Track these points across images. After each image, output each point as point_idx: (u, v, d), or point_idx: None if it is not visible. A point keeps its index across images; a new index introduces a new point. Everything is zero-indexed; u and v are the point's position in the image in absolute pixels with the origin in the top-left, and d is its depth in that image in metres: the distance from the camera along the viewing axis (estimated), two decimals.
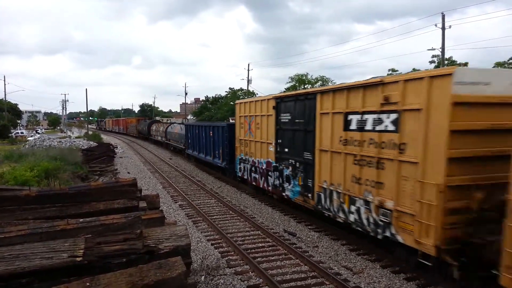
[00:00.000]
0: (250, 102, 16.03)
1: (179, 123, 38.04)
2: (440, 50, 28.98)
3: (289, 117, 12.72)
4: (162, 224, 6.23)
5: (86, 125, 77.68)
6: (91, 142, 39.21)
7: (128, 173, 23.21)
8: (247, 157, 16.56)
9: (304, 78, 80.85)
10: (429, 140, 7.27)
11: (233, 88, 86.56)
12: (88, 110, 71.21)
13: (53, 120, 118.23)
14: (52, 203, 7.05)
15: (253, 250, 9.94)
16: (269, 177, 14.49)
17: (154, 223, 6.02)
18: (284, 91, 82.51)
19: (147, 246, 4.90)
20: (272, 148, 13.99)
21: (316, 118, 11.04)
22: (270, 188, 14.53)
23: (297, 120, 12.27)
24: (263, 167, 14.89)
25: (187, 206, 15.03)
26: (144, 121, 58.61)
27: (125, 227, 5.56)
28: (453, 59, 41.10)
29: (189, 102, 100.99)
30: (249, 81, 56.31)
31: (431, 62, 41.51)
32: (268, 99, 14.15)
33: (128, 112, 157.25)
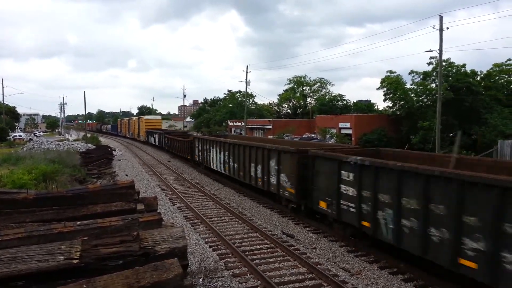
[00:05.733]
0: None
1: (110, 124, 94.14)
2: (438, 51, 29.02)
3: None
4: (160, 226, 6.25)
5: (85, 128, 77.83)
6: (89, 145, 39.19)
7: (126, 175, 23.18)
8: None
9: (302, 80, 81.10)
10: None
11: (232, 90, 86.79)
12: (87, 112, 71.36)
13: (51, 123, 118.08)
14: (50, 206, 7.06)
15: (251, 252, 9.93)
16: None
17: (151, 225, 6.03)
18: (283, 93, 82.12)
19: (143, 248, 4.91)
20: None
21: None
22: None
23: None
24: None
25: (185, 208, 15.01)
26: (100, 123, 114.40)
27: (122, 229, 5.57)
28: (451, 60, 41.18)
29: (187, 105, 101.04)
30: (247, 84, 56.28)
31: (429, 63, 41.58)
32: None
33: (126, 114, 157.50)
